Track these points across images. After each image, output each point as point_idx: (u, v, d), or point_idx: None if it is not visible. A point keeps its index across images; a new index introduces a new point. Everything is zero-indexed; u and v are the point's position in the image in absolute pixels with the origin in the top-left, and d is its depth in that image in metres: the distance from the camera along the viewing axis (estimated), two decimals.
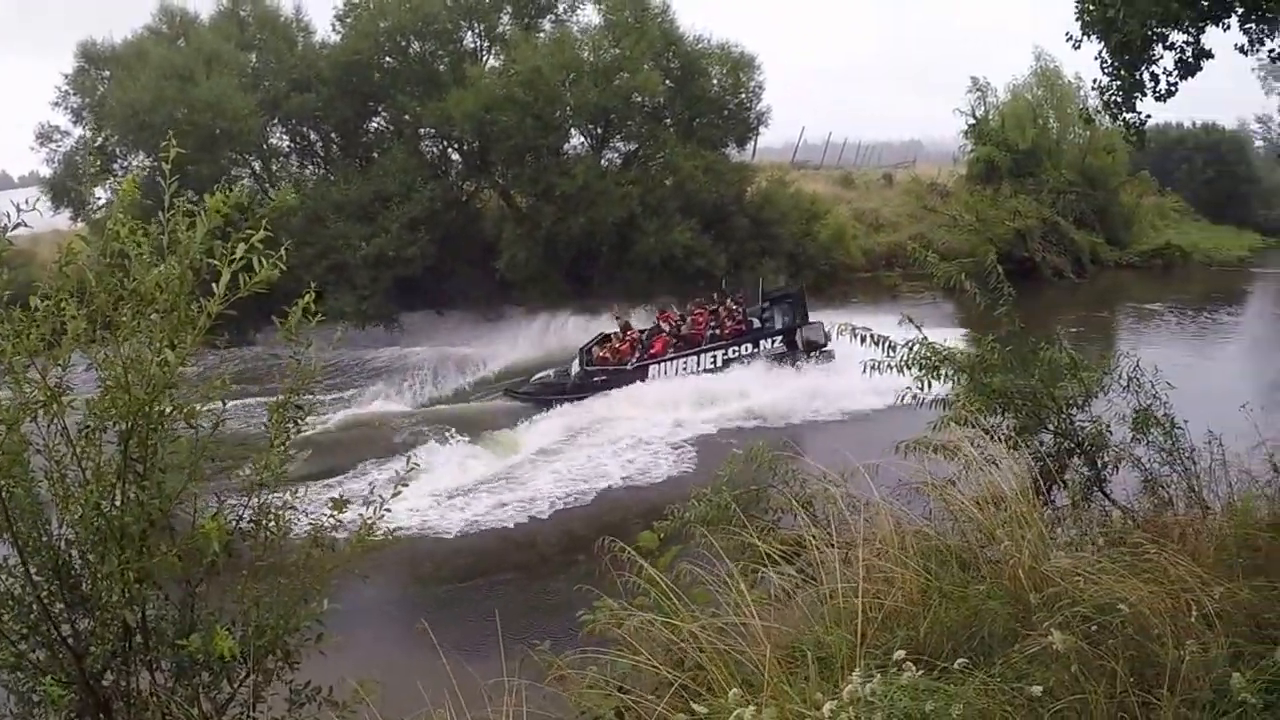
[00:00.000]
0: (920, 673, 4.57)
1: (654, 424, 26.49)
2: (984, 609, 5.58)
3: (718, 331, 30.47)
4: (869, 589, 5.83)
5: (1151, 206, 60.89)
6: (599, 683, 5.48)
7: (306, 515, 5.38)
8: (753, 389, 28.28)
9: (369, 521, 5.45)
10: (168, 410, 4.73)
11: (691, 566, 6.39)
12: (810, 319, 30.81)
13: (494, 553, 18.79)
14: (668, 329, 31.59)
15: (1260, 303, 46.53)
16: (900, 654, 4.71)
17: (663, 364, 29.86)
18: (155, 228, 4.70)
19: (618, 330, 31.97)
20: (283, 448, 5.14)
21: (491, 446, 25.11)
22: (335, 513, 5.38)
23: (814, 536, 6.57)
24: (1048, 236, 49.97)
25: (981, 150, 53.47)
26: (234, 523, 5.08)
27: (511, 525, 20.03)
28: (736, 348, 29.64)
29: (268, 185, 38.05)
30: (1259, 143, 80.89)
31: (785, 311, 31.66)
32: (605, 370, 29.98)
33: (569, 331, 34.33)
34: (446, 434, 25.02)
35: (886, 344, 9.41)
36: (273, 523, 5.19)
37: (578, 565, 15.53)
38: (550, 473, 23.13)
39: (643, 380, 29.52)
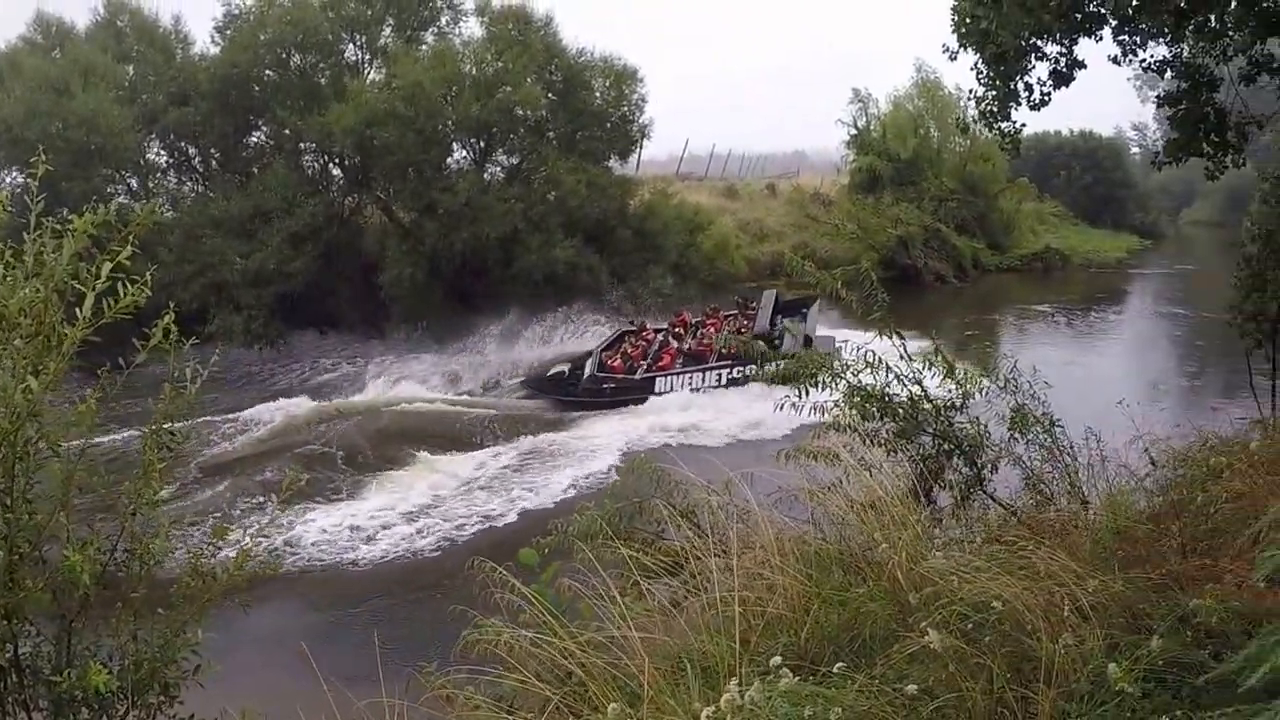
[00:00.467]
0: (797, 679, 4.57)
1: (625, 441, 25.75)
2: (864, 611, 5.61)
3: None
4: (751, 596, 5.85)
5: (1031, 211, 62.38)
6: (483, 704, 5.41)
7: (186, 544, 5.24)
8: (738, 408, 27.08)
9: (247, 549, 5.30)
10: (33, 437, 4.58)
11: (575, 581, 6.36)
12: (819, 332, 30.50)
13: (396, 578, 18.35)
14: (675, 342, 31.64)
15: (1139, 301, 47.69)
16: (777, 660, 4.75)
17: (669, 378, 29.40)
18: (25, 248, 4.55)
19: (634, 329, 32.24)
20: (157, 475, 4.99)
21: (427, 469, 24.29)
22: (216, 540, 5.23)
23: (697, 546, 6.56)
24: (929, 243, 51.16)
25: (863, 160, 54.48)
26: (107, 554, 4.91)
27: (424, 549, 19.51)
28: (741, 368, 28.20)
29: (144, 202, 36.88)
30: (1135, 149, 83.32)
31: (795, 325, 30.53)
32: (614, 379, 29.60)
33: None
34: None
35: (761, 354, 9.45)
36: (145, 553, 5.03)
37: (472, 587, 15.28)
38: (484, 491, 22.54)
39: (650, 394, 29.05)
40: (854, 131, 56.37)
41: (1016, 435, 9.20)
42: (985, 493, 9.08)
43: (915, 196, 53.03)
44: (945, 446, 9.07)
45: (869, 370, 9.12)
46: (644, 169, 48.70)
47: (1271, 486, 7.07)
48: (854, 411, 9.00)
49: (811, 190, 56.88)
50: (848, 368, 9.14)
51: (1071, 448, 9.29)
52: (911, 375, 9.31)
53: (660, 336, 32.36)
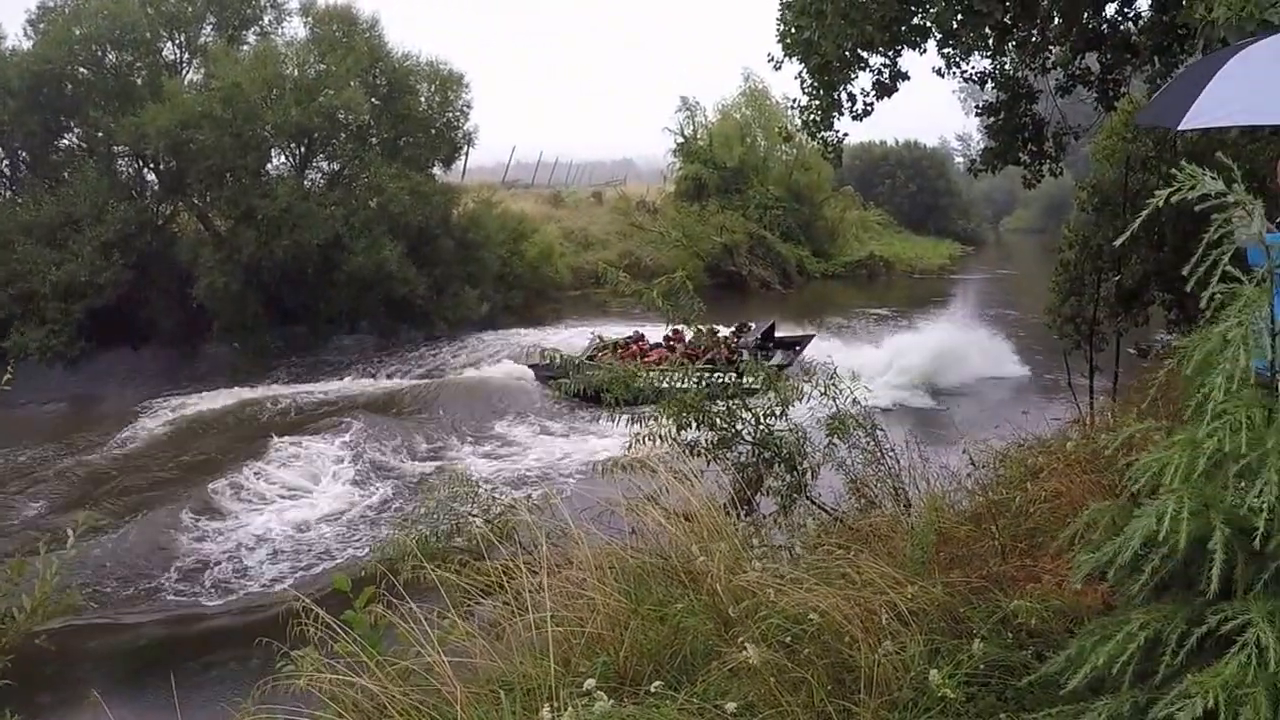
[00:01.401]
0: (614, 702, 4.40)
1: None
2: (684, 626, 5.47)
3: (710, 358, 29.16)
4: (570, 615, 5.72)
5: (856, 219, 63.48)
6: None
7: None
8: None
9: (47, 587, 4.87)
10: None
11: (398, 604, 6.05)
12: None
13: (206, 613, 17.26)
14: (669, 352, 30.59)
15: (960, 306, 48.71)
16: (591, 683, 4.58)
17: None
18: None
19: (632, 338, 31.32)
20: None
21: None
22: (15, 577, 4.81)
23: (516, 565, 6.35)
24: (755, 250, 51.74)
25: (690, 168, 54.87)
26: None
27: (247, 576, 18.53)
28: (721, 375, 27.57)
29: None
30: (959, 159, 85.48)
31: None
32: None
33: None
34: None
35: (576, 365, 9.24)
36: None
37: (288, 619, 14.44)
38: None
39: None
40: (681, 139, 56.77)
41: (836, 440, 9.16)
42: (808, 499, 9.02)
43: (741, 204, 53.64)
44: (765, 454, 8.98)
45: (683, 378, 9.02)
46: (470, 176, 48.27)
47: (1088, 486, 7.14)
48: (670, 422, 8.85)
49: (638, 198, 56.97)
50: (665, 376, 9.02)
51: (893, 450, 9.31)
52: (731, 385, 9.24)
53: (652, 346, 31.94)
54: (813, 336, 32.35)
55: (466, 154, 40.68)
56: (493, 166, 60.01)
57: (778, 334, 32.93)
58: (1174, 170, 3.67)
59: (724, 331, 30.45)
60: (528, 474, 21.04)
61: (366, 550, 7.73)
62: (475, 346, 34.97)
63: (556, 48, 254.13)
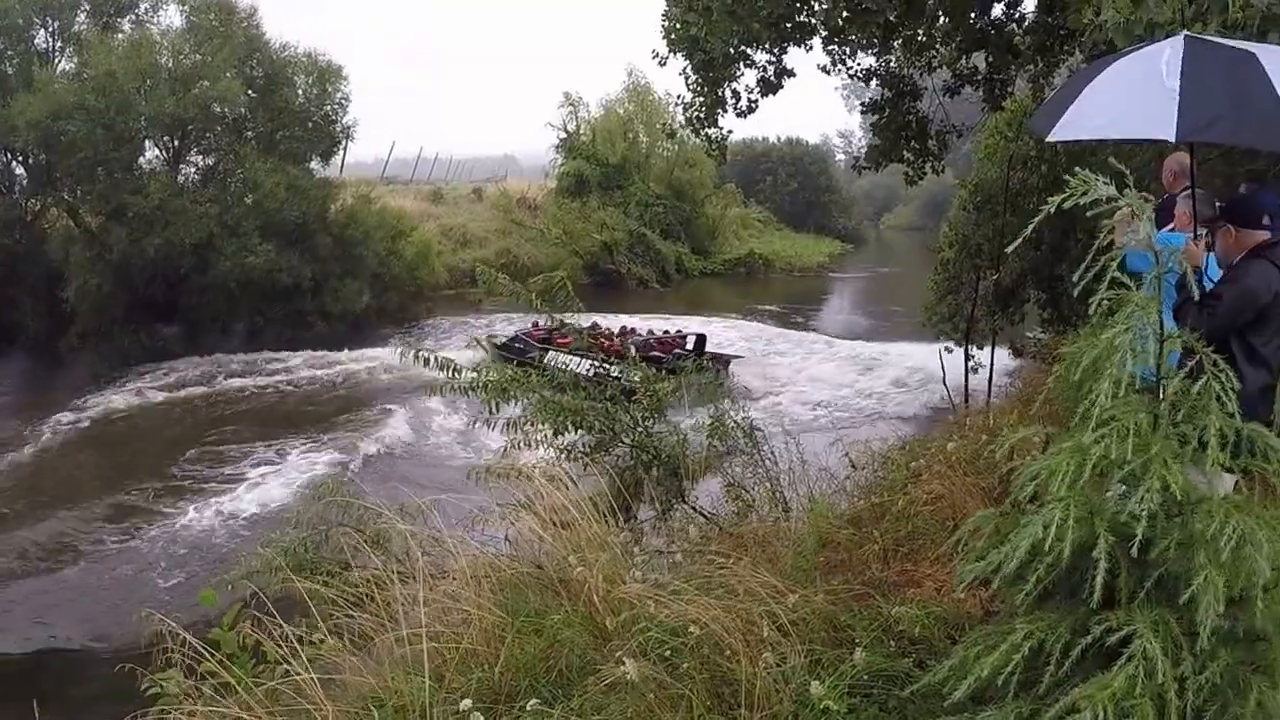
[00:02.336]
0: None
1: None
2: (561, 639, 5.31)
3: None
4: (444, 630, 5.55)
5: (737, 216, 63.59)
6: None
7: None
8: None
9: None
10: None
11: (267, 620, 5.80)
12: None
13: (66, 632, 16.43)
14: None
15: (837, 302, 49.21)
16: (467, 704, 4.50)
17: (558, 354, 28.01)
18: None
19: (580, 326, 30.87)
20: None
21: None
22: None
23: (387, 576, 6.14)
24: (634, 248, 51.75)
25: (571, 164, 54.57)
26: None
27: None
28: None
29: None
30: (840, 156, 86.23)
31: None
32: (529, 342, 28.91)
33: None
34: None
35: (452, 368, 8.96)
36: None
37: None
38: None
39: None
40: (563, 135, 56.48)
41: (716, 443, 9.06)
42: (688, 503, 8.89)
43: (622, 201, 53.50)
44: (644, 457, 8.81)
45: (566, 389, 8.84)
46: (350, 172, 47.50)
47: (968, 488, 7.12)
48: (547, 426, 8.65)
49: (519, 194, 56.53)
50: (543, 375, 8.83)
51: (773, 453, 9.24)
52: (610, 386, 9.07)
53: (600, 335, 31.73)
54: (732, 359, 31.81)
55: (345, 149, 39.99)
56: (372, 162, 59.52)
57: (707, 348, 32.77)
58: (1065, 175, 3.63)
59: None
60: (407, 477, 20.63)
61: (238, 564, 7.39)
62: (352, 347, 34.25)
63: (438, 42, 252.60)
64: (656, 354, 28.22)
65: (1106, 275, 3.55)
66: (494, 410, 8.73)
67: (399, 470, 21.77)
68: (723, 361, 28.96)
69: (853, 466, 9.02)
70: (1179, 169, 6.95)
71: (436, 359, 8.94)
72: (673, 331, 33.11)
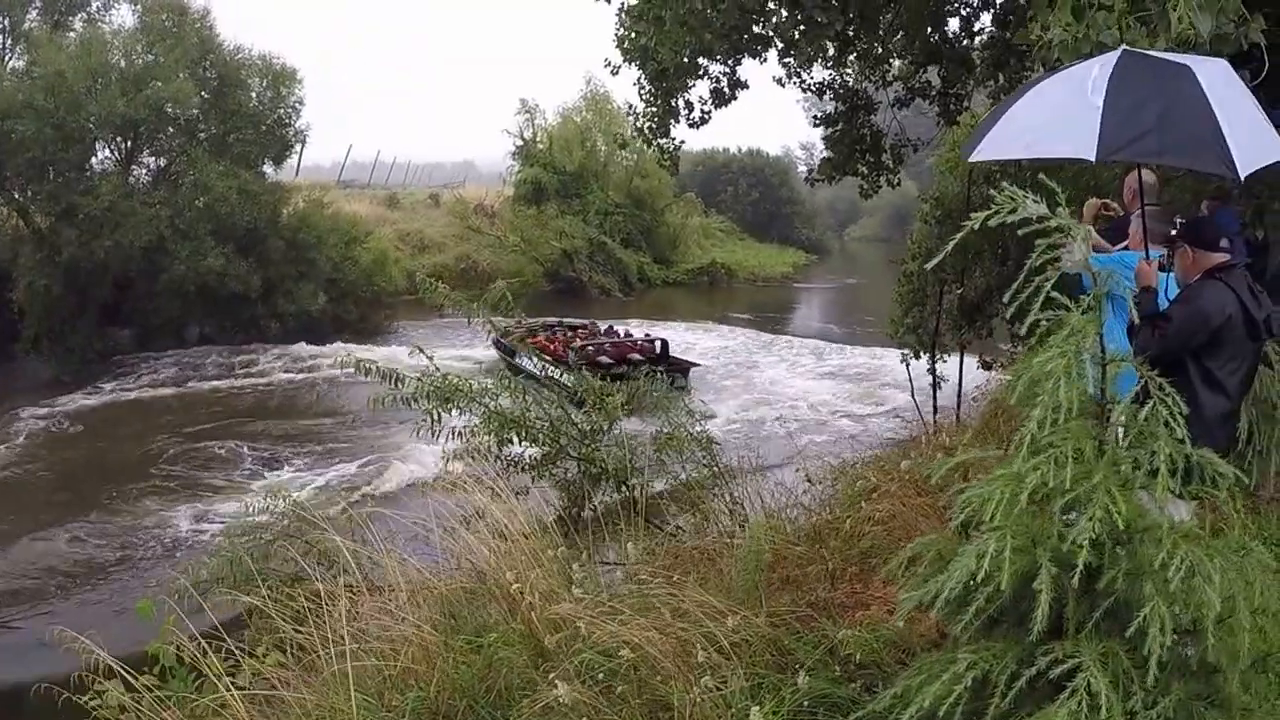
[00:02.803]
0: None
1: None
2: (499, 658, 5.18)
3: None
4: (383, 647, 5.42)
5: (698, 226, 63.40)
6: None
7: None
8: None
9: None
10: None
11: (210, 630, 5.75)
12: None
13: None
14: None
15: (804, 313, 49.04)
16: None
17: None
18: None
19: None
20: None
21: None
22: None
23: (333, 591, 5.99)
24: (595, 256, 51.62)
25: (528, 171, 54.33)
26: None
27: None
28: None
29: None
30: (802, 167, 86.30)
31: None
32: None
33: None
34: None
35: (394, 377, 8.72)
36: None
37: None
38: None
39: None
40: (520, 142, 56.27)
41: (667, 456, 8.91)
42: (640, 515, 8.72)
43: (581, 210, 53.36)
44: (592, 470, 8.61)
45: (509, 394, 8.62)
46: (305, 175, 47.20)
47: (921, 508, 6.99)
48: (491, 437, 8.45)
49: (476, 201, 56.27)
50: (486, 392, 8.61)
51: (729, 464, 9.13)
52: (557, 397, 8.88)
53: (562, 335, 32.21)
54: (693, 367, 31.53)
55: (301, 152, 39.66)
56: (330, 166, 59.37)
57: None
58: (992, 191, 3.54)
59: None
60: (354, 486, 20.29)
61: (181, 572, 7.23)
62: (305, 353, 33.83)
63: (398, 46, 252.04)
64: (605, 359, 28.63)
65: (1040, 296, 3.46)
66: (436, 420, 8.52)
67: (348, 479, 21.48)
68: (681, 369, 28.79)
69: (808, 480, 8.88)
70: (1137, 186, 6.88)
71: (378, 369, 8.68)
72: (638, 336, 33.14)
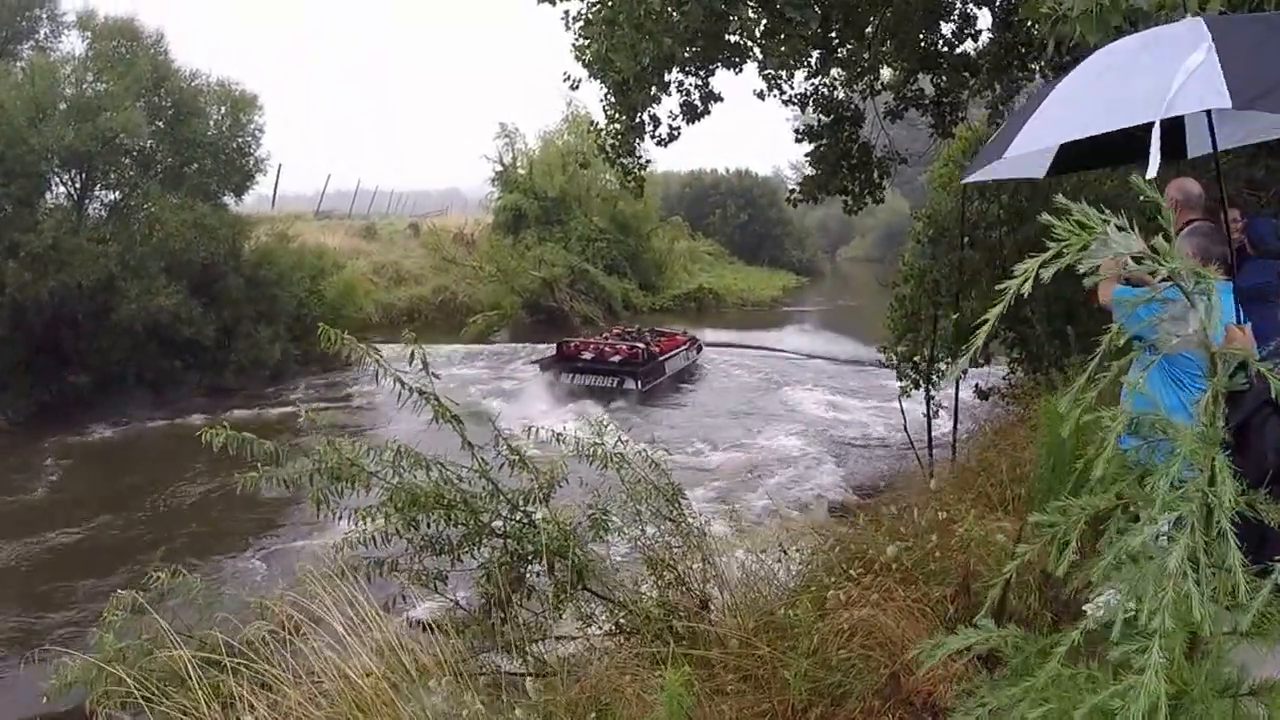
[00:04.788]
0: None
1: None
2: None
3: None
4: None
5: (685, 250, 62.97)
6: None
7: None
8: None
9: None
10: None
11: None
12: None
13: None
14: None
15: (794, 340, 47.77)
16: None
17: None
18: None
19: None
20: None
21: None
22: None
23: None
24: (576, 284, 50.64)
25: (509, 198, 53.55)
26: None
27: None
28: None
29: None
30: (792, 187, 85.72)
31: None
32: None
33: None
34: None
35: (274, 455, 7.21)
36: None
37: None
38: None
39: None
40: (500, 168, 55.34)
41: (611, 530, 7.60)
42: (591, 591, 7.40)
43: (562, 236, 52.48)
44: (523, 549, 7.17)
45: (424, 469, 7.13)
46: (284, 205, 46.03)
47: (908, 607, 5.61)
48: (397, 519, 6.96)
49: (455, 230, 55.14)
50: (392, 462, 7.13)
51: (700, 524, 7.93)
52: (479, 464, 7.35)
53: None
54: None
55: (277, 182, 38.34)
56: (312, 195, 58.40)
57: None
58: (1049, 216, 2.27)
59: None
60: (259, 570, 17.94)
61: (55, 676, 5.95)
62: (261, 398, 32.32)
63: (385, 74, 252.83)
64: (588, 355, 30.76)
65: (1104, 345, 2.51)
66: (328, 501, 7.03)
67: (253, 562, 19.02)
68: (696, 347, 32.51)
69: (783, 551, 7.58)
70: (1182, 197, 5.61)
71: (251, 447, 7.05)
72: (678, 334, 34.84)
